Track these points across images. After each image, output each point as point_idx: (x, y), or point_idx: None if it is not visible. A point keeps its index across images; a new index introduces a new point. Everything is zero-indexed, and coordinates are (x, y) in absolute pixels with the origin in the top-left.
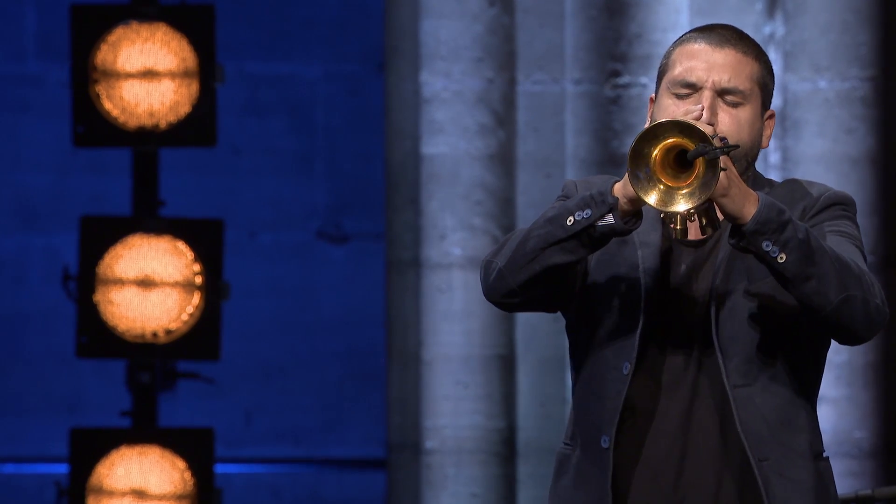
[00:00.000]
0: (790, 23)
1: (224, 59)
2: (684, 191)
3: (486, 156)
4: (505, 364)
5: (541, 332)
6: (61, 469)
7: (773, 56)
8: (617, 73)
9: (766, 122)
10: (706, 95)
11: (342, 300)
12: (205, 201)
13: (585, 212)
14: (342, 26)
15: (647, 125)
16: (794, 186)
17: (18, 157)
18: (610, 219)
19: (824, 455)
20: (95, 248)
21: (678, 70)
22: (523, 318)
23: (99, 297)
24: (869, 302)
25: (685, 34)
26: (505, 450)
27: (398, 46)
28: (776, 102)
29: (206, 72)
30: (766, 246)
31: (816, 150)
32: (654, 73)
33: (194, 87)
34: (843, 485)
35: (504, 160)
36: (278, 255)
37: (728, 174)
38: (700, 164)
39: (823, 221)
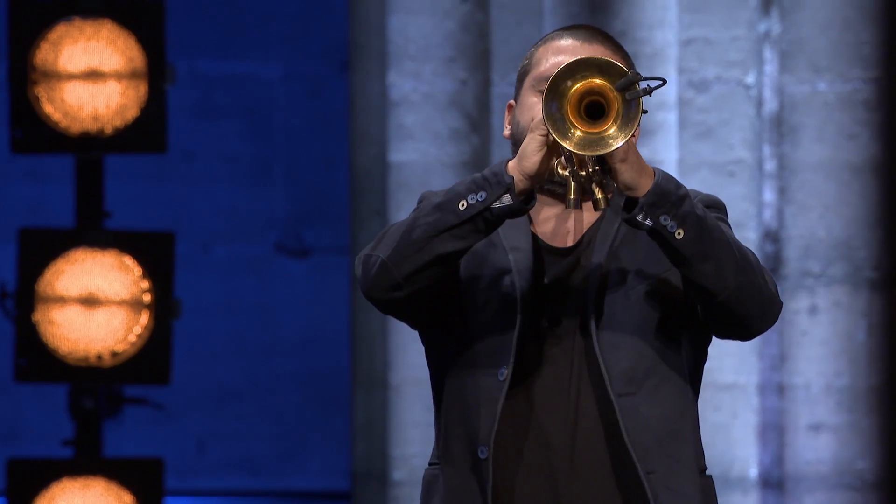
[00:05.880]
0: (787, 20)
1: (175, 58)
2: (610, 131)
3: (459, 163)
4: None
5: None
6: None
7: (769, 56)
8: None
9: None
10: None
11: (303, 319)
12: (154, 212)
13: (479, 194)
14: (303, 22)
15: (563, 66)
16: None
17: None
18: (507, 199)
19: (707, 472)
20: (35, 263)
21: (544, 66)
22: None
23: (39, 316)
24: (764, 291)
25: (548, 34)
26: None
27: (364, 44)
28: (772, 105)
29: (156, 72)
30: (664, 220)
31: (815, 157)
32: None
33: (142, 89)
34: None
35: (478, 168)
36: (234, 269)
37: (627, 141)
38: (617, 103)
39: None
